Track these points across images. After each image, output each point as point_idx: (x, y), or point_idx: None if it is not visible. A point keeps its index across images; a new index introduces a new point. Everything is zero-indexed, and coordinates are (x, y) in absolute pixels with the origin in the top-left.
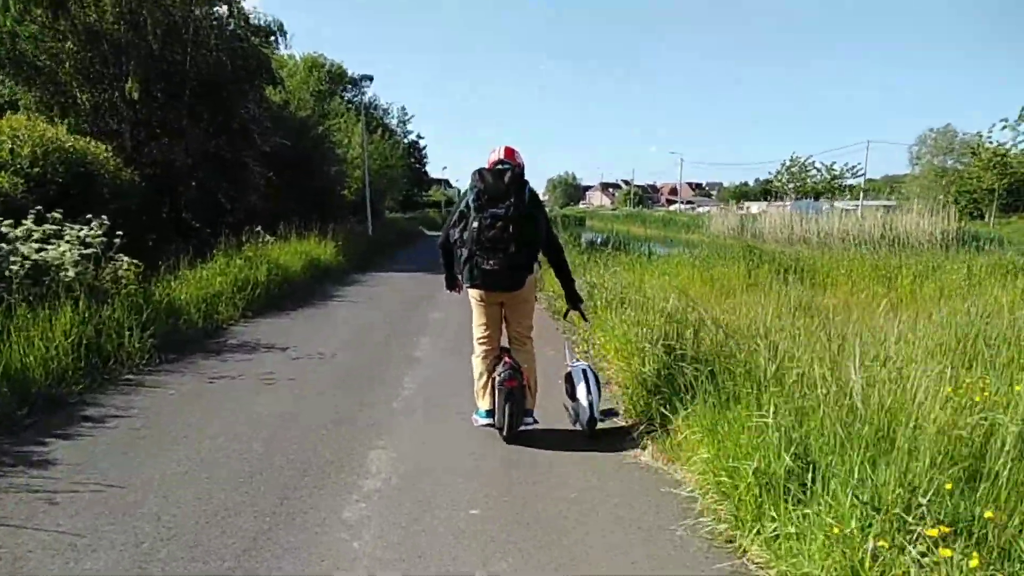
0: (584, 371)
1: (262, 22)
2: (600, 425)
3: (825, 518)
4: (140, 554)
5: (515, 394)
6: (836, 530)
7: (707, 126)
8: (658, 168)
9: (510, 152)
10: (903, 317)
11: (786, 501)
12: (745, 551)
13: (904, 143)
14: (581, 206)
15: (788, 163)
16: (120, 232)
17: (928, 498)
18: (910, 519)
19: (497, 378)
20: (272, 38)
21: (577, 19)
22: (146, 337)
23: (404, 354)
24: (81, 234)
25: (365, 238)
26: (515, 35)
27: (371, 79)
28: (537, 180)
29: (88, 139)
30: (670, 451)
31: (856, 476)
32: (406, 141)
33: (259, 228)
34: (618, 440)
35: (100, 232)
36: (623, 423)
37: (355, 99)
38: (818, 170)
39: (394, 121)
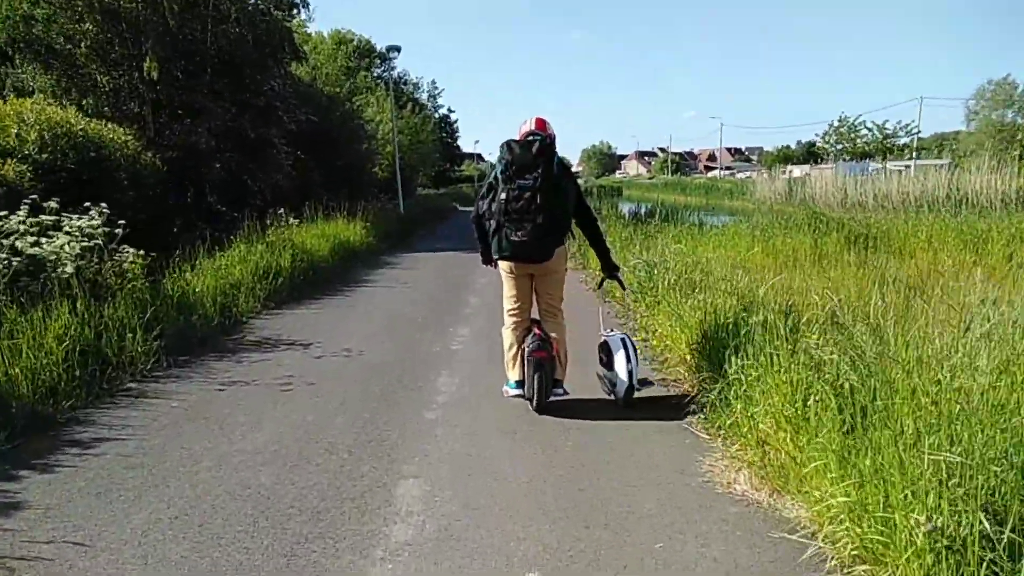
0: (623, 340)
1: None
2: (636, 394)
3: None
4: None
5: (544, 365)
6: None
7: (745, 88)
8: (695, 134)
9: (541, 123)
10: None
11: None
12: None
13: (955, 99)
14: (617, 175)
15: (836, 123)
16: (124, 220)
17: None
18: None
19: (526, 349)
20: (294, 11)
21: None
22: (152, 338)
23: (439, 348)
24: (81, 224)
25: (396, 216)
26: (545, 6)
27: (399, 49)
28: (571, 151)
29: (105, 122)
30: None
31: None
32: (437, 116)
33: (282, 211)
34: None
35: (100, 222)
36: (662, 392)
37: (384, 74)
38: (869, 130)
39: (424, 95)
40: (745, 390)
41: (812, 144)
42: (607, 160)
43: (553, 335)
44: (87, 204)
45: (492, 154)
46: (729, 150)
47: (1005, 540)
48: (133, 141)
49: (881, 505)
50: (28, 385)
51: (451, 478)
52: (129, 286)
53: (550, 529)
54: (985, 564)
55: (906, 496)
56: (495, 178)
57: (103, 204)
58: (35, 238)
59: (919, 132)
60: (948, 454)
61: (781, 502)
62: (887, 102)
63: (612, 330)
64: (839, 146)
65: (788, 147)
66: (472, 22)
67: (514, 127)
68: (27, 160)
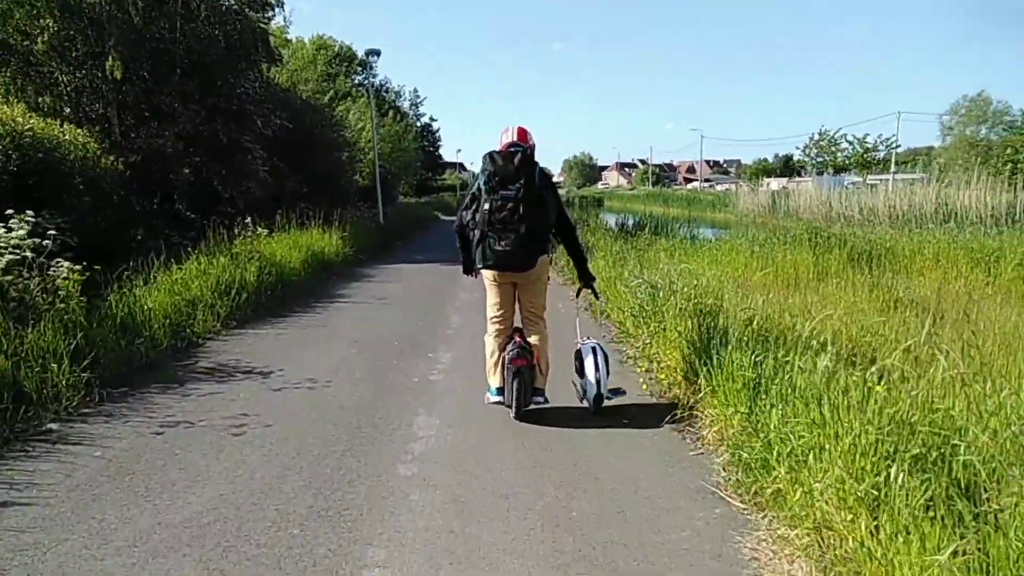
0: (593, 348)
1: None
2: (606, 403)
3: None
4: None
5: (523, 373)
6: None
7: (723, 102)
8: (674, 146)
9: (522, 133)
10: None
11: None
12: None
13: (929, 115)
14: (598, 186)
15: (816, 137)
16: (82, 226)
17: None
18: None
19: (506, 357)
20: (269, 12)
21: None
22: (82, 368)
23: (417, 379)
24: (10, 236)
25: (375, 226)
26: (527, 17)
27: (378, 53)
28: (552, 161)
29: (62, 123)
30: None
31: None
32: (419, 124)
33: (248, 219)
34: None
35: (24, 232)
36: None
37: (365, 81)
38: (850, 143)
39: (406, 103)
40: (792, 451)
41: (789, 157)
42: (588, 171)
43: (535, 342)
44: (30, 212)
45: (474, 163)
46: (708, 162)
47: None
48: (93, 144)
49: None
50: None
51: (428, 570)
52: (60, 306)
53: None
54: None
55: None
56: (478, 189)
57: (46, 211)
58: None
59: (899, 146)
60: None
61: None
62: (861, 117)
63: (588, 338)
64: (820, 159)
65: (766, 160)
66: (454, 32)
67: (496, 137)
68: None
